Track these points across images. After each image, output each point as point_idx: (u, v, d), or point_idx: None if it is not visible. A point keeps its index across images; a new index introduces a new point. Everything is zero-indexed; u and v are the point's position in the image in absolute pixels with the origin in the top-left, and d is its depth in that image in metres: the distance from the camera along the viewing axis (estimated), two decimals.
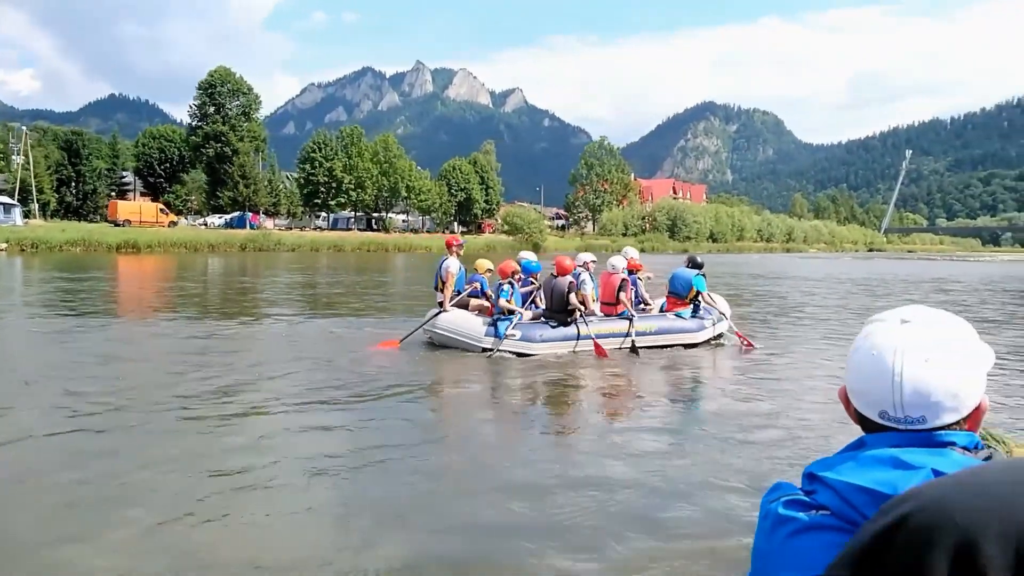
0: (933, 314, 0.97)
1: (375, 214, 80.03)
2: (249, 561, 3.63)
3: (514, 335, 9.32)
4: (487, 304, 9.92)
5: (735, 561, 3.62)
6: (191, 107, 69.36)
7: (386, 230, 74.91)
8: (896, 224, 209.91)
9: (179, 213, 66.61)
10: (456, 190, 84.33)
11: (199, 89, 68.25)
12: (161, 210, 58.56)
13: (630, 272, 10.47)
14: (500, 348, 9.25)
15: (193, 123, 69.51)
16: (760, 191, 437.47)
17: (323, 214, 78.85)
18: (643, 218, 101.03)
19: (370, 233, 70.24)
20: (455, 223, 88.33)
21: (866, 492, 0.84)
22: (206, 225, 60.66)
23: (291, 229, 68.61)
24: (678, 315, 10.49)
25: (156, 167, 72.57)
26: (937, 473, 0.82)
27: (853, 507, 0.84)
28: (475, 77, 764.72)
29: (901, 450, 0.89)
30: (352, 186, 73.91)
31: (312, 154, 73.55)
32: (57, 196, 62.83)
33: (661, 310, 10.81)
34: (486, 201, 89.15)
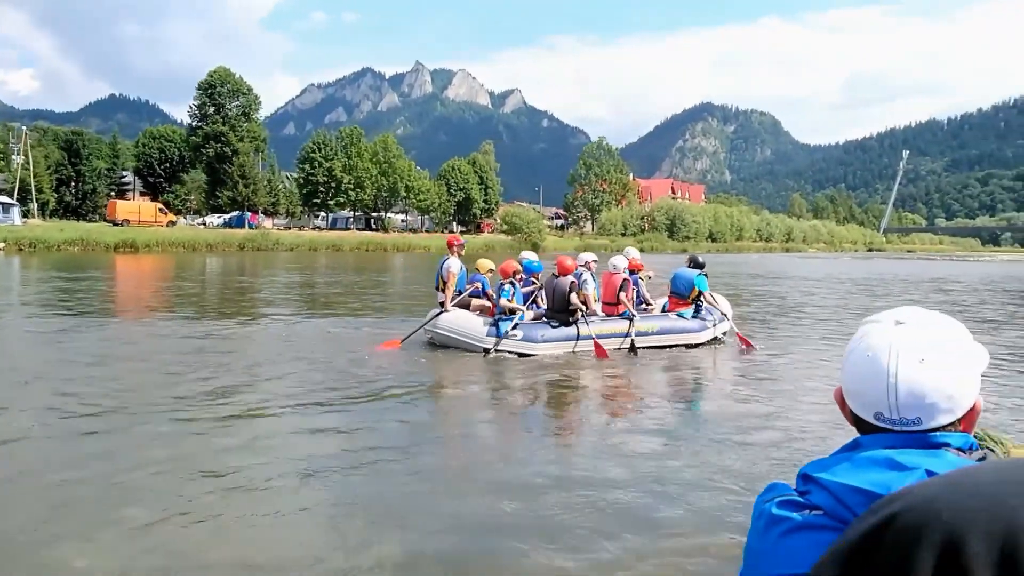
0: (927, 315, 0.97)
1: (374, 214, 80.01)
2: (243, 561, 3.62)
3: (516, 335, 9.30)
4: (488, 304, 9.90)
5: (727, 559, 3.62)
6: (191, 107, 69.46)
7: (385, 230, 74.86)
8: (895, 224, 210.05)
9: (178, 213, 66.59)
10: (455, 190, 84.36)
11: (199, 89, 68.29)
12: (160, 210, 58.52)
13: (632, 272, 10.47)
14: (500, 348, 9.23)
15: (193, 123, 69.55)
16: (758, 191, 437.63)
17: (322, 214, 78.85)
18: (642, 218, 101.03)
19: (369, 233, 70.18)
20: (454, 223, 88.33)
21: (860, 493, 0.84)
22: (205, 225, 60.60)
23: (290, 229, 68.59)
24: (680, 315, 10.48)
25: (156, 167, 72.58)
26: (931, 474, 0.83)
27: (847, 507, 0.85)
28: (474, 78, 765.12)
29: (895, 451, 0.89)
30: (351, 186, 73.93)
31: (311, 154, 73.56)
32: (56, 196, 62.85)
33: (663, 310, 10.81)
34: (485, 201, 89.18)
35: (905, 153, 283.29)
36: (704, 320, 10.51)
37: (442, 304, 9.87)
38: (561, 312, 9.61)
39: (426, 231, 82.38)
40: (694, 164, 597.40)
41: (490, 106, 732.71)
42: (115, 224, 51.35)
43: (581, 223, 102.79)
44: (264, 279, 24.33)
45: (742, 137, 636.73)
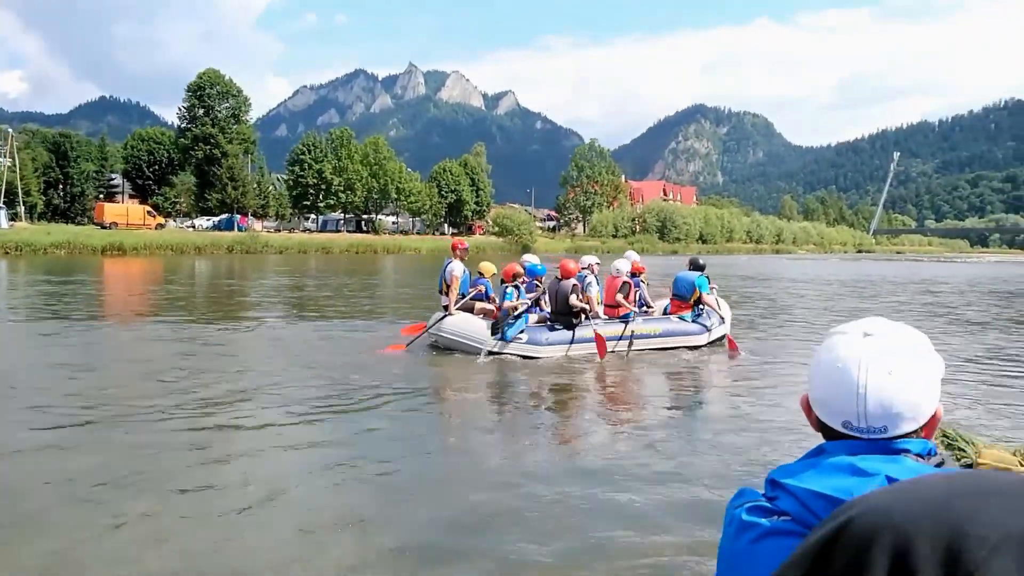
0: (893, 327, 1.00)
1: (365, 216, 79.84)
2: (232, 565, 3.63)
3: (520, 338, 9.41)
4: (491, 307, 9.98)
5: (705, 558, 3.70)
6: (180, 109, 69.09)
7: (375, 232, 74.70)
8: (885, 225, 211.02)
9: (168, 215, 66.28)
10: (446, 192, 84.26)
11: (188, 91, 67.96)
12: (148, 212, 58.25)
13: (633, 275, 10.58)
14: (503, 351, 9.32)
15: (182, 125, 69.23)
16: (750, 193, 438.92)
17: (312, 216, 78.62)
18: (633, 220, 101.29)
19: (359, 235, 70.04)
20: (445, 224, 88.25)
21: (824, 498, 0.87)
22: (194, 227, 60.34)
23: (279, 231, 68.37)
24: (681, 318, 10.60)
25: (145, 169, 72.20)
26: (891, 479, 0.87)
27: (812, 512, 0.88)
28: (468, 79, 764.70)
29: (858, 457, 0.92)
30: (341, 188, 73.76)
31: (301, 156, 73.37)
32: (45, 198, 62.48)
33: (664, 313, 10.94)
34: (476, 203, 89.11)
35: (896, 155, 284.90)
36: (704, 323, 10.60)
37: (446, 307, 9.91)
38: (564, 315, 9.70)
39: (417, 233, 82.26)
40: (687, 166, 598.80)
41: (483, 108, 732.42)
42: (103, 227, 51.11)
43: (573, 225, 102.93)
44: (254, 282, 24.25)
45: (734, 139, 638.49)
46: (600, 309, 10.23)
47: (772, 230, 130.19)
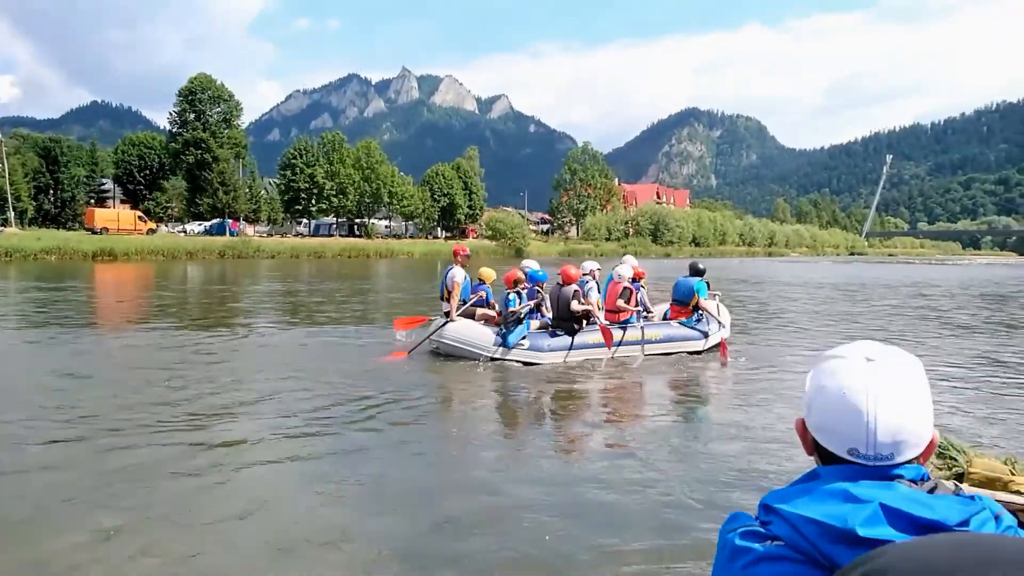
0: (893, 353, 1.01)
1: (357, 220, 79.69)
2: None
3: (522, 344, 9.41)
4: (492, 313, 9.96)
5: (700, 565, 3.71)
6: (171, 114, 68.89)
7: (368, 236, 74.53)
8: (877, 228, 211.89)
9: (159, 220, 66.02)
10: (439, 196, 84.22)
11: (179, 96, 67.81)
12: (139, 217, 57.93)
13: (634, 280, 10.57)
14: (505, 357, 9.30)
15: (173, 130, 69.03)
16: (744, 196, 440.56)
17: (304, 220, 78.44)
18: (626, 223, 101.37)
19: (351, 239, 69.83)
20: (438, 228, 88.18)
21: (817, 524, 0.89)
22: (185, 232, 60.07)
23: (271, 236, 68.15)
24: (682, 323, 10.61)
25: (136, 174, 72.00)
26: (884, 507, 0.88)
27: (805, 538, 0.89)
28: (461, 83, 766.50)
29: (852, 484, 0.93)
30: (334, 192, 73.62)
31: (293, 160, 73.25)
32: (35, 204, 62.17)
33: (664, 318, 10.93)
34: (469, 206, 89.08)
35: (888, 157, 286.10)
36: (704, 328, 10.60)
37: (447, 314, 9.86)
38: (566, 320, 9.70)
39: (410, 237, 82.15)
40: (680, 169, 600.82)
41: (477, 111, 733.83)
42: (94, 232, 50.81)
43: (566, 228, 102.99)
44: (246, 288, 24.06)
45: (728, 142, 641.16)
46: (601, 315, 10.22)
47: (765, 233, 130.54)
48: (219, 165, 63.87)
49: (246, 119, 75.85)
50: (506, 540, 4.03)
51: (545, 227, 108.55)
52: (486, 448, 6.04)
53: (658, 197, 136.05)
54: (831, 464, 0.99)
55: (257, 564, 3.73)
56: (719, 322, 10.82)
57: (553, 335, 9.68)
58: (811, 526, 0.89)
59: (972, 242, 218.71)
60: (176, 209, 70.08)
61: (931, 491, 0.93)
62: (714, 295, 11.13)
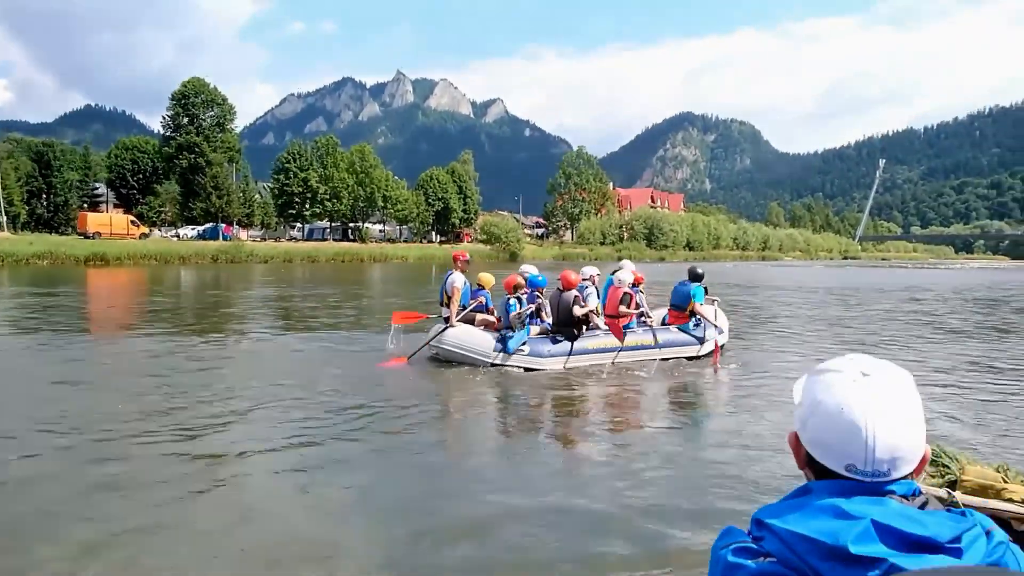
0: (886, 368, 1.02)
1: (351, 224, 79.55)
2: None
3: (522, 350, 9.38)
4: (492, 319, 9.93)
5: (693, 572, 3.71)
6: (164, 118, 68.75)
7: (362, 240, 74.38)
8: (871, 232, 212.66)
9: (152, 225, 65.76)
10: (433, 200, 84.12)
11: (172, 100, 67.63)
12: (132, 222, 57.64)
13: (633, 285, 10.56)
14: (506, 363, 9.27)
15: (166, 134, 68.85)
16: (738, 200, 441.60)
17: (298, 225, 78.26)
18: (620, 227, 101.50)
19: (345, 243, 69.65)
20: (433, 232, 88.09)
21: (808, 541, 0.89)
22: (178, 236, 59.86)
23: (265, 240, 67.94)
24: (681, 329, 10.60)
25: (129, 178, 71.75)
26: (876, 523, 0.88)
27: (797, 555, 0.89)
28: (456, 87, 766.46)
29: (843, 500, 0.93)
30: (327, 196, 73.49)
31: (286, 164, 73.10)
32: (28, 208, 61.93)
33: (662, 323, 10.91)
34: (464, 210, 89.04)
35: (881, 162, 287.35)
36: (701, 333, 10.58)
37: (447, 319, 9.84)
38: (566, 326, 9.67)
39: (404, 241, 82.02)
40: (675, 173, 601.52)
41: (472, 115, 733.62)
42: (86, 237, 50.57)
43: (561, 232, 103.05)
44: (239, 293, 24.00)
45: (722, 146, 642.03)
46: (600, 320, 10.23)
47: (759, 237, 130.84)
48: (212, 169, 63.70)
49: (240, 123, 75.62)
50: (494, 550, 4.01)
51: (540, 231, 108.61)
52: (479, 457, 6.02)
53: (652, 201, 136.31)
54: (824, 479, 0.99)
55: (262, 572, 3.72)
56: (716, 327, 10.80)
57: (554, 341, 9.64)
58: (803, 543, 0.89)
59: (965, 246, 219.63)
60: (169, 213, 69.83)
61: (922, 506, 0.93)
62: (712, 300, 11.11)
